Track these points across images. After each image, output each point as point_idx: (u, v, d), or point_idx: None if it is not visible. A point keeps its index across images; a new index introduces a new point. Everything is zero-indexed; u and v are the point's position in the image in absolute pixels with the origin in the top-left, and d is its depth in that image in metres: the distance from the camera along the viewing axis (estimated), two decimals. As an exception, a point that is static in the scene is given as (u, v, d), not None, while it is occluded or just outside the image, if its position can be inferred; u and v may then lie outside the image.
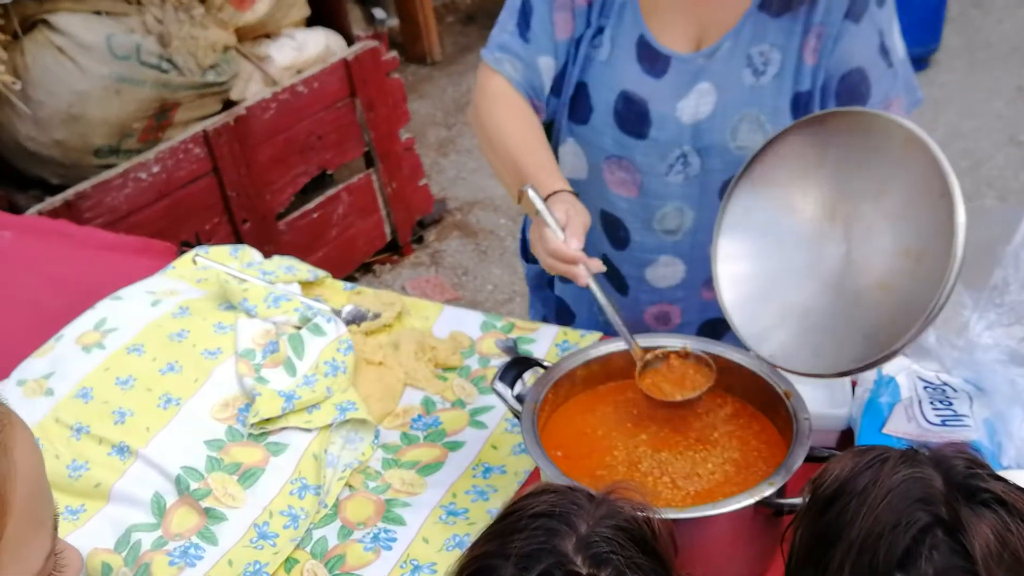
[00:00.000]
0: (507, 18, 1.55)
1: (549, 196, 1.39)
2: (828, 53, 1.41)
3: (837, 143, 1.25)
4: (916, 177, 1.16)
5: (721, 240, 1.34)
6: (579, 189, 1.59)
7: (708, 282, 1.61)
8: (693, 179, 1.51)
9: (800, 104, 1.45)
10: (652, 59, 1.47)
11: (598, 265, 1.32)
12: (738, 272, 1.34)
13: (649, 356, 1.29)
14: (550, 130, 1.62)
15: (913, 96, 1.46)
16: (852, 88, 1.42)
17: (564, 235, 1.30)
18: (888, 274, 1.19)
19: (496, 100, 1.55)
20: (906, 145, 1.17)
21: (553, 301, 1.83)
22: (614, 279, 1.69)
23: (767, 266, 1.32)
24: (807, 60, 1.43)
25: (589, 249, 1.66)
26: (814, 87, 1.44)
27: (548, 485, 0.87)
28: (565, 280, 1.74)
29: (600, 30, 1.49)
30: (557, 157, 1.60)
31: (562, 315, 1.81)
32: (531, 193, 1.32)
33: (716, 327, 1.70)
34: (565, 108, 1.55)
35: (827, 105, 1.44)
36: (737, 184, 1.33)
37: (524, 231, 1.89)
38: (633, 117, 1.49)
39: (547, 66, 1.53)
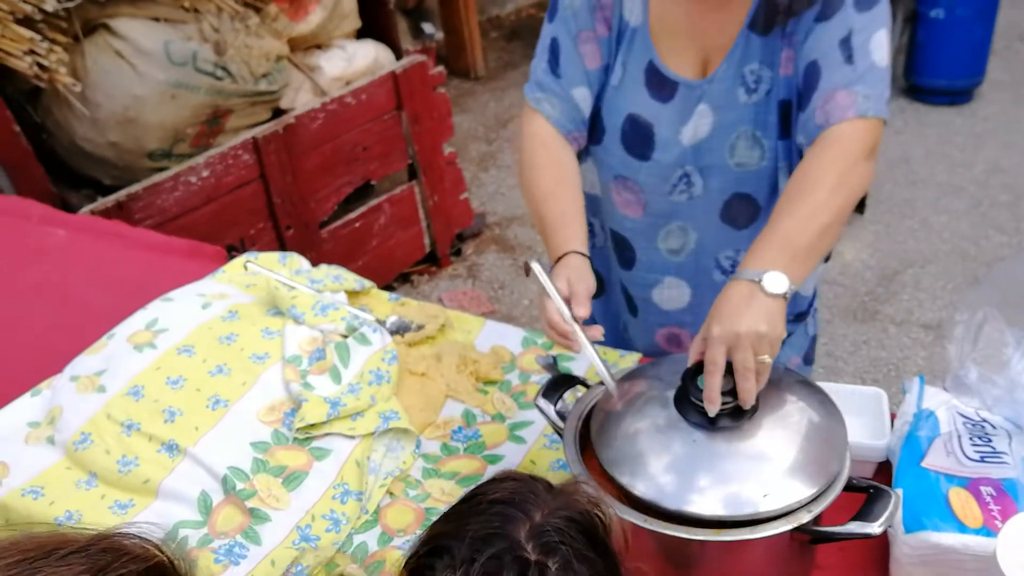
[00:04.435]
0: (540, 54, 1.59)
1: (559, 259, 1.41)
2: (797, 58, 1.41)
3: None
4: None
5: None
6: (594, 204, 1.65)
7: None
8: (697, 199, 1.54)
9: (783, 113, 1.45)
10: (660, 84, 1.50)
11: (597, 333, 1.31)
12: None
13: None
14: None
15: (874, 105, 1.33)
16: (808, 81, 1.38)
17: (568, 307, 1.30)
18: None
19: (535, 142, 1.57)
20: None
21: None
22: (624, 300, 1.73)
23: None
24: (782, 72, 1.43)
25: (601, 269, 1.71)
26: (792, 96, 1.44)
27: (511, 473, 0.89)
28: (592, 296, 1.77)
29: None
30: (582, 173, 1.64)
31: None
32: (536, 268, 1.32)
33: None
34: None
35: (804, 108, 1.40)
36: None
37: None
38: (638, 139, 1.53)
39: (583, 96, 1.55)
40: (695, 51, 1.49)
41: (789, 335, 1.75)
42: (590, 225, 1.70)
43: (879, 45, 1.35)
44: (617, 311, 1.78)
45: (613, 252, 1.68)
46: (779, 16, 1.40)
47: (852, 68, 1.34)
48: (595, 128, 1.58)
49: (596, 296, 1.75)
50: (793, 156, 1.49)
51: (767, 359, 1.14)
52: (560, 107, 1.56)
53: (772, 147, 1.48)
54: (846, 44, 1.35)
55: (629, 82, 1.52)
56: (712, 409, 1.13)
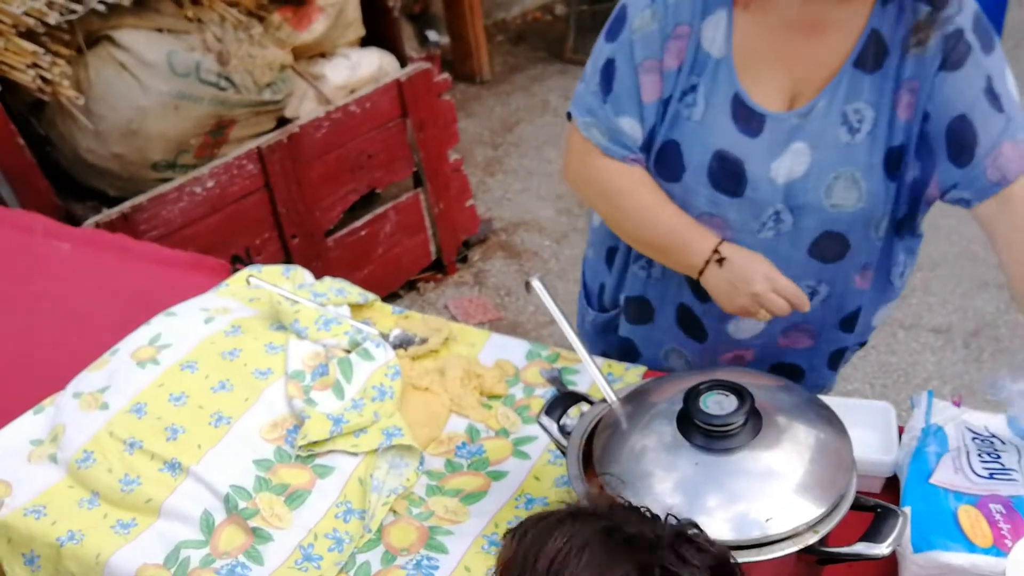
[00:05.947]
0: (591, 75, 1.53)
1: (717, 247, 1.46)
2: (921, 107, 1.39)
3: None
4: None
5: None
6: None
7: (786, 331, 1.60)
8: (784, 236, 1.49)
9: (893, 158, 1.43)
10: (747, 118, 1.44)
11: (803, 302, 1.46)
12: None
13: None
14: None
15: None
16: (958, 137, 1.37)
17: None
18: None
19: (608, 174, 1.54)
20: None
21: (618, 342, 1.82)
22: (693, 328, 1.68)
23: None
24: (900, 115, 1.40)
25: (655, 299, 1.67)
26: (908, 141, 1.41)
27: None
28: (635, 322, 1.75)
29: (692, 88, 1.46)
30: None
31: (627, 355, 1.80)
32: (537, 285, 1.33)
33: (784, 372, 1.69)
34: (651, 164, 1.53)
35: (926, 157, 1.42)
36: None
37: (584, 275, 1.89)
38: (728, 176, 1.46)
39: (630, 126, 1.50)
40: (784, 83, 1.43)
41: (846, 361, 1.76)
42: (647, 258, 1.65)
43: (1012, 82, 1.37)
44: (662, 338, 1.72)
45: (686, 283, 1.61)
46: (887, 56, 1.38)
47: (1005, 116, 1.35)
48: (672, 166, 1.50)
49: (643, 322, 1.73)
50: (902, 200, 1.47)
51: None
52: (608, 135, 1.52)
53: (872, 190, 1.44)
54: (991, 92, 1.35)
55: (714, 116, 1.45)
56: None
